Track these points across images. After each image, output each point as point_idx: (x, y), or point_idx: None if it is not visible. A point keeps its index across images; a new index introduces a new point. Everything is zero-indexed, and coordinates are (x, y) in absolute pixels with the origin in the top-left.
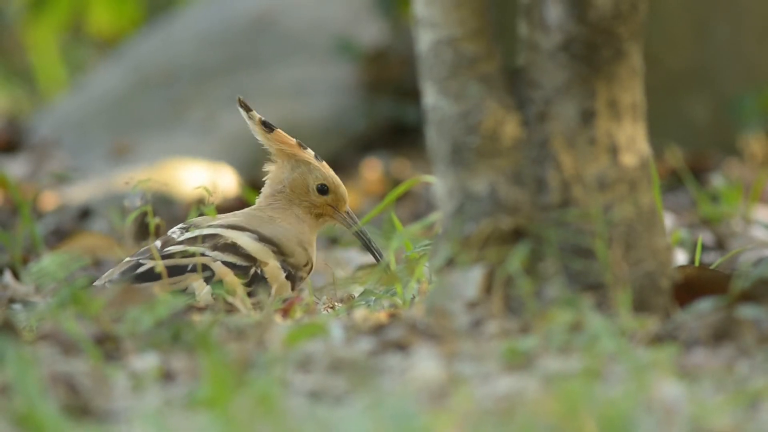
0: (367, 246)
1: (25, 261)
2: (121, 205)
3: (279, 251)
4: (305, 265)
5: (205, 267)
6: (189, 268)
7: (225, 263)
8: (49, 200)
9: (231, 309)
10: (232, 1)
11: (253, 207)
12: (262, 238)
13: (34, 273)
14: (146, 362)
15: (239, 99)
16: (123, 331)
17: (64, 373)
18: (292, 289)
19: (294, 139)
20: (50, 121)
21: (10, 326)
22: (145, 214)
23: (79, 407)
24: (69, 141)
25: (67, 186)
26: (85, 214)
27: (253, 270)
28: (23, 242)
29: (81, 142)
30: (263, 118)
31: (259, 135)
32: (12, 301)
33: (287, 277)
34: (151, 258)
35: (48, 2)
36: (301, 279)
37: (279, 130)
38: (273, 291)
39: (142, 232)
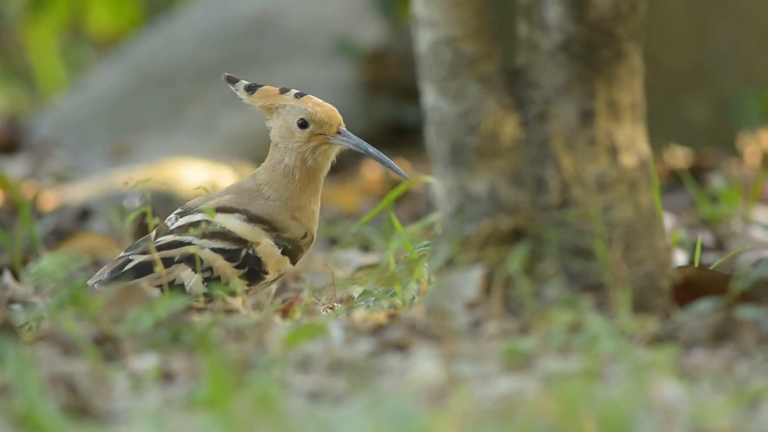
0: (377, 159)
1: (25, 261)
2: (120, 205)
3: (271, 228)
4: (303, 237)
5: (194, 256)
6: (176, 259)
7: (213, 250)
8: (49, 200)
9: (230, 309)
10: (231, 1)
11: (254, 173)
12: (252, 218)
13: (33, 273)
14: (146, 363)
15: (225, 75)
16: (122, 331)
17: (64, 373)
18: (293, 263)
19: (276, 88)
20: (50, 121)
21: (9, 327)
22: (144, 215)
23: (78, 407)
24: (69, 141)
25: (67, 186)
26: (84, 214)
27: (244, 252)
28: (23, 242)
29: (81, 142)
30: (247, 83)
31: (248, 100)
32: (11, 301)
33: (284, 253)
34: (142, 253)
35: (47, 2)
36: (301, 251)
37: (264, 87)
38: (268, 268)
39: (142, 232)
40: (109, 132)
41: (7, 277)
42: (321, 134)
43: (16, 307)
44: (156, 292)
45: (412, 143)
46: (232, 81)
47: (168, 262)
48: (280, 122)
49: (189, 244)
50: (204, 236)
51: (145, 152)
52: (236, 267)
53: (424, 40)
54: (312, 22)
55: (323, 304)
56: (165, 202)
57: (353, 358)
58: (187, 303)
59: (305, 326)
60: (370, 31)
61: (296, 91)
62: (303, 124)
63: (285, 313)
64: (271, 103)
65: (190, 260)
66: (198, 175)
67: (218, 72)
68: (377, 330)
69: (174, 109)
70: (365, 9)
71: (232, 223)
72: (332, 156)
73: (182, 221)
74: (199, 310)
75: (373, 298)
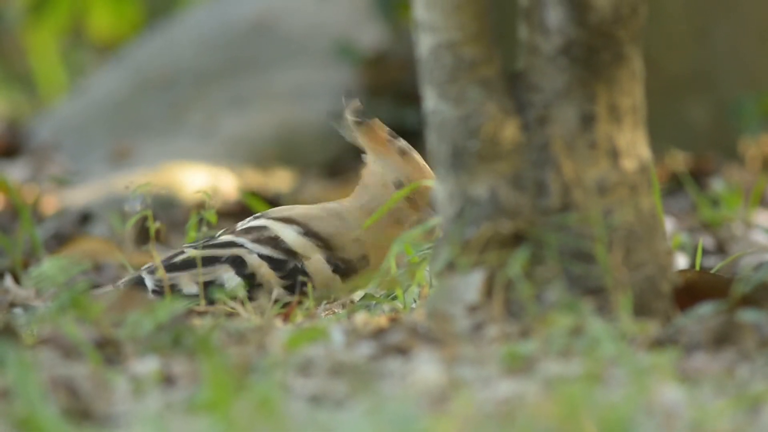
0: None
1: (26, 265)
2: (121, 209)
3: (325, 246)
4: (360, 259)
5: (241, 259)
6: (222, 259)
7: (261, 256)
8: (50, 204)
9: (232, 313)
10: (232, 4)
11: (343, 200)
12: (308, 233)
13: (34, 277)
14: (147, 366)
15: (345, 95)
16: (123, 335)
17: (65, 377)
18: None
19: (385, 132)
20: (50, 125)
21: (10, 330)
22: (145, 219)
23: (79, 411)
24: (69, 145)
25: (68, 190)
26: (85, 218)
27: (291, 264)
28: (24, 246)
29: (81, 145)
30: (358, 116)
31: (353, 131)
32: (12, 305)
33: (335, 271)
34: (197, 247)
35: (48, 6)
36: (356, 272)
37: (372, 124)
38: (315, 284)
39: (143, 236)
40: (109, 136)
41: (8, 280)
42: (411, 200)
43: (17, 310)
44: (194, 288)
45: (413, 147)
46: (348, 99)
47: (214, 261)
48: (376, 169)
49: (242, 246)
50: (257, 241)
51: (145, 156)
52: (281, 278)
53: (424, 43)
54: (312, 25)
55: (324, 308)
56: (166, 206)
57: (354, 362)
58: (188, 306)
59: (306, 330)
60: (371, 35)
61: (403, 144)
62: (399, 186)
63: (286, 316)
64: (377, 149)
65: (235, 262)
66: (199, 179)
67: (218, 75)
68: (378, 333)
69: (174, 113)
70: (366, 12)
71: (286, 234)
72: (418, 222)
73: (246, 224)
74: (201, 313)
75: (374, 302)
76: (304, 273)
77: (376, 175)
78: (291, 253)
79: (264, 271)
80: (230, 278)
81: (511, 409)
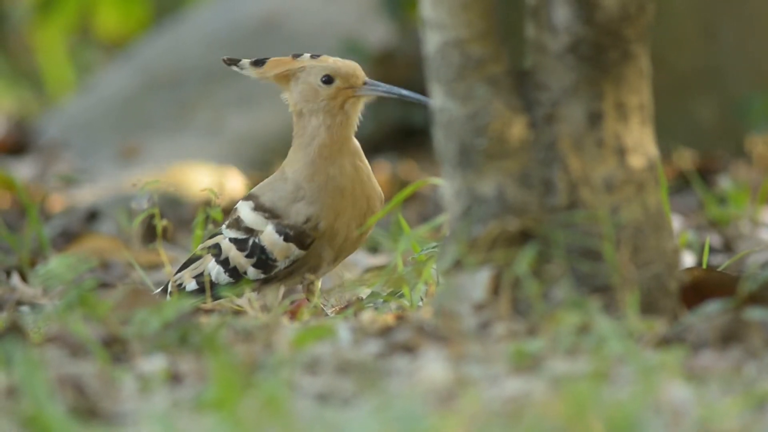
0: (409, 98)
1: (33, 263)
2: (128, 207)
3: (272, 215)
4: (305, 222)
5: (219, 246)
6: (207, 249)
7: (230, 240)
8: (57, 202)
9: (238, 310)
10: (239, 3)
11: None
12: (257, 206)
13: (41, 275)
14: (154, 364)
15: (225, 58)
16: (130, 333)
17: (72, 375)
18: (303, 248)
19: (288, 57)
20: (58, 123)
21: (18, 328)
22: (152, 216)
23: (86, 409)
24: (76, 143)
25: (75, 188)
26: (92, 216)
27: (251, 241)
28: (31, 244)
29: (88, 143)
30: (253, 59)
31: (258, 75)
32: (20, 303)
33: (287, 239)
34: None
35: (55, 4)
36: (308, 237)
37: (271, 59)
38: (275, 256)
39: (150, 234)
40: (117, 134)
41: (16, 278)
42: (348, 87)
43: (25, 308)
44: (193, 283)
45: (420, 145)
46: (234, 62)
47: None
48: (300, 86)
49: (220, 233)
50: (228, 225)
51: (152, 154)
52: (246, 257)
53: (432, 41)
54: (319, 23)
55: (331, 306)
56: (173, 204)
57: (361, 360)
58: (195, 304)
59: (313, 328)
60: (378, 33)
61: (309, 54)
62: (328, 80)
63: (293, 314)
64: (287, 69)
65: (216, 249)
66: (206, 178)
67: (226, 74)
68: (385, 331)
69: (181, 111)
70: (373, 11)
71: (244, 212)
72: (359, 111)
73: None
74: (207, 311)
75: (381, 300)
76: (262, 247)
77: (296, 102)
78: (249, 230)
79: (233, 253)
80: (212, 267)
81: (518, 407)
